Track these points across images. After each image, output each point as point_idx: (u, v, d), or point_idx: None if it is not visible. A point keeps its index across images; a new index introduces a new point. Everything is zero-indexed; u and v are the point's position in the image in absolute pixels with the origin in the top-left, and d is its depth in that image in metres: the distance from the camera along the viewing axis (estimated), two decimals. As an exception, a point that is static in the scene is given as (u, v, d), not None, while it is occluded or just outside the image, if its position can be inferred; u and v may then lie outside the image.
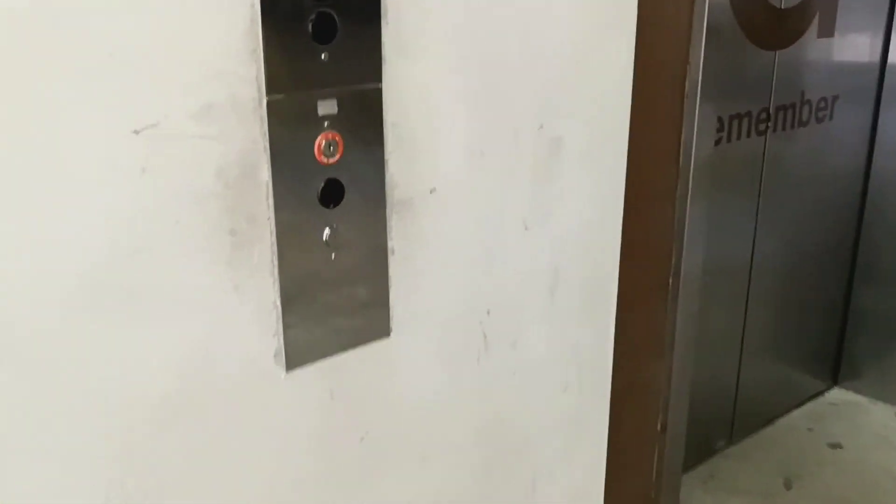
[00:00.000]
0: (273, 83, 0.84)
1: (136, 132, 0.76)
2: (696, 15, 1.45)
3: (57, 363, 0.76)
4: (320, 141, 0.88)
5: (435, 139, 0.98)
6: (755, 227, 2.37)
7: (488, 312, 1.10)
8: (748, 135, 2.20)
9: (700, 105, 1.52)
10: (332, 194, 0.91)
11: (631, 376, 1.46)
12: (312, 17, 0.84)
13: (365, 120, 0.92)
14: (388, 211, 0.96)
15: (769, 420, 2.91)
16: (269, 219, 0.87)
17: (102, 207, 0.76)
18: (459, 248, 1.05)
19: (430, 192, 1.00)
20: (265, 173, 0.86)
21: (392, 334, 1.00)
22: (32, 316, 0.74)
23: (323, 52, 0.86)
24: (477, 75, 1.00)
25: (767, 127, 2.23)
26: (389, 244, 0.98)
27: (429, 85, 0.96)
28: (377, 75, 0.92)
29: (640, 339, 1.48)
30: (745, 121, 2.16)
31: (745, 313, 2.47)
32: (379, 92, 0.92)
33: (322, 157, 0.89)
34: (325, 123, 0.88)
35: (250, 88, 0.82)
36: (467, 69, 0.99)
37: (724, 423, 2.69)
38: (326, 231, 0.92)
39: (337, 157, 0.90)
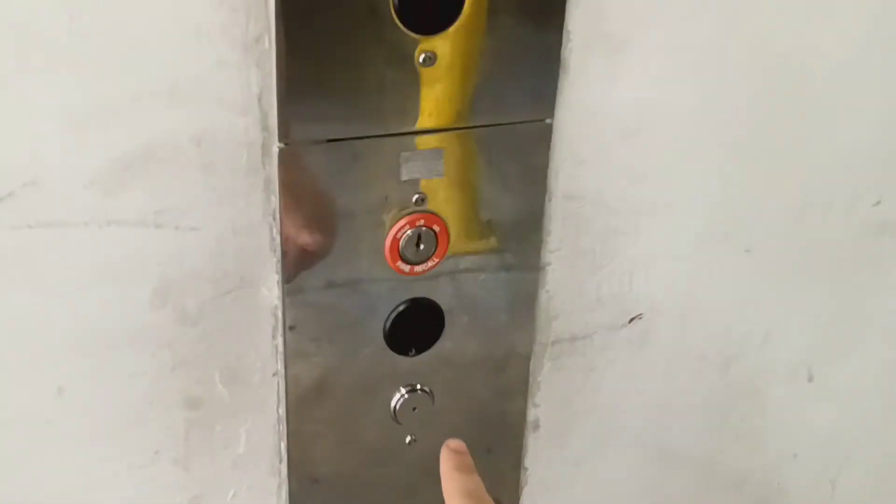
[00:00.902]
0: (297, 115, 0.38)
1: (-47, 214, 0.34)
2: None
3: None
4: (398, 232, 0.42)
5: (652, 225, 0.49)
6: None
7: (708, 522, 0.61)
8: None
9: None
10: (414, 330, 0.45)
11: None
12: (404, -29, 0.37)
13: (503, 189, 0.44)
14: (535, 357, 0.49)
15: None
16: (275, 374, 0.43)
17: None
18: (669, 417, 0.56)
19: (630, 321, 0.51)
20: (271, 292, 0.41)
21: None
22: None
23: (423, 51, 0.39)
24: (749, 105, 0.48)
25: None
26: (531, 414, 0.51)
27: (652, 121, 0.46)
28: (544, 101, 0.43)
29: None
30: None
31: None
32: (545, 132, 0.44)
33: (400, 261, 0.43)
34: (415, 197, 0.42)
35: (242, 121, 0.37)
36: (727, 91, 0.47)
37: None
38: (398, 397, 0.46)
39: (432, 262, 0.43)
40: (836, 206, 0.54)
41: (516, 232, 0.45)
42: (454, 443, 0.38)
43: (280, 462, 0.46)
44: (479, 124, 0.42)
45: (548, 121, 0.43)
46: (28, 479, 0.40)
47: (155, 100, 0.35)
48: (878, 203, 0.55)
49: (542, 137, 0.44)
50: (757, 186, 0.51)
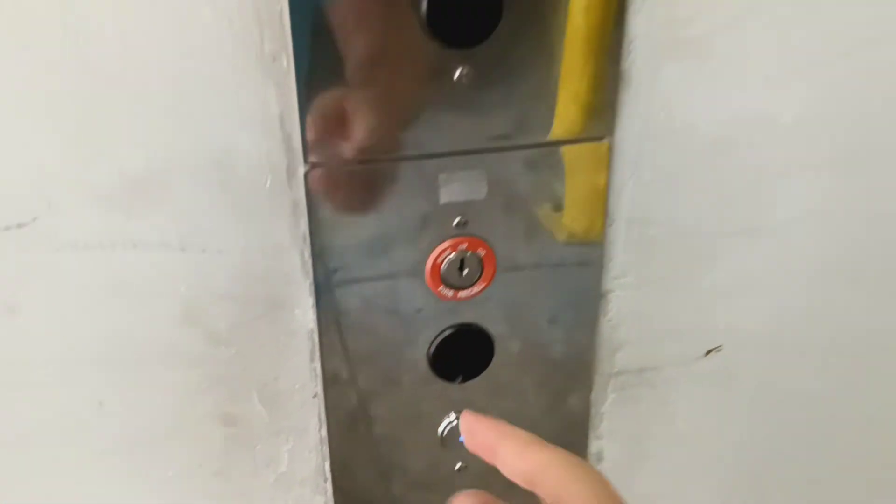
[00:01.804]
0: (322, 136, 0.36)
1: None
2: None
3: None
4: (439, 256, 0.40)
5: (740, 251, 0.44)
6: None
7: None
8: None
9: None
10: (461, 356, 0.43)
11: None
12: (434, -19, 0.34)
13: (556, 212, 0.41)
14: (597, 388, 0.46)
15: None
16: (315, 396, 0.42)
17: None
18: (751, 460, 0.51)
19: (707, 354, 0.47)
20: (306, 315, 0.40)
21: None
22: None
23: (458, 63, 0.36)
24: (869, 112, 0.42)
25: None
26: (593, 446, 0.48)
27: (739, 136, 0.41)
28: (601, 117, 0.39)
29: None
30: None
31: None
32: (602, 152, 0.40)
33: (442, 286, 0.40)
34: (456, 220, 0.39)
35: (264, 143, 0.36)
36: (841, 99, 0.42)
37: None
38: (447, 423, 0.44)
39: (478, 286, 0.41)
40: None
41: (572, 257, 0.42)
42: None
43: (325, 481, 0.45)
44: (524, 144, 0.39)
45: (605, 139, 0.40)
46: (69, 486, 0.41)
47: (166, 117, 0.35)
48: None
49: (598, 157, 0.40)
50: (873, 206, 0.45)
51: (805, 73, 0.41)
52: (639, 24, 0.37)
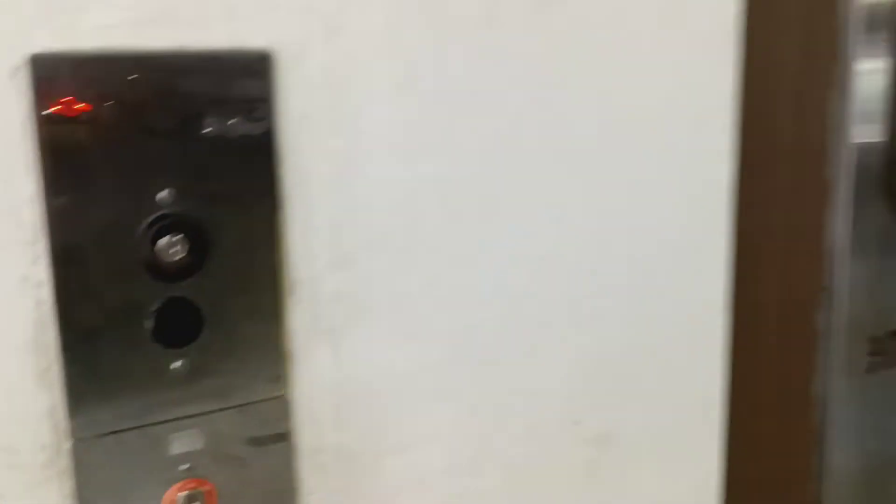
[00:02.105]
0: (81, 419, 0.53)
1: None
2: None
3: None
4: (173, 494, 0.56)
5: (397, 463, 0.64)
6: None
7: None
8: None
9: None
10: (198, 574, 0.57)
11: None
12: (154, 308, 0.54)
13: (256, 452, 0.59)
14: (307, 583, 0.62)
15: None
16: None
17: None
18: None
19: (385, 544, 0.64)
20: (74, 556, 0.54)
21: None
22: None
23: (176, 359, 0.55)
24: (455, 359, 0.65)
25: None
26: None
27: (377, 385, 0.62)
28: (278, 379, 0.59)
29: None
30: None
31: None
32: (282, 405, 0.59)
33: (178, 518, 0.56)
34: (184, 466, 0.56)
35: (41, 429, 0.52)
36: (443, 357, 0.65)
37: None
38: None
39: (206, 515, 0.57)
40: (552, 428, 0.70)
41: (273, 483, 0.59)
42: None
43: None
44: (226, 406, 0.57)
45: (280, 394, 0.59)
46: None
47: (-28, 422, 0.50)
48: (577, 423, 0.71)
49: (283, 410, 0.59)
50: (482, 423, 0.67)
51: (418, 336, 0.63)
52: (291, 321, 0.59)
